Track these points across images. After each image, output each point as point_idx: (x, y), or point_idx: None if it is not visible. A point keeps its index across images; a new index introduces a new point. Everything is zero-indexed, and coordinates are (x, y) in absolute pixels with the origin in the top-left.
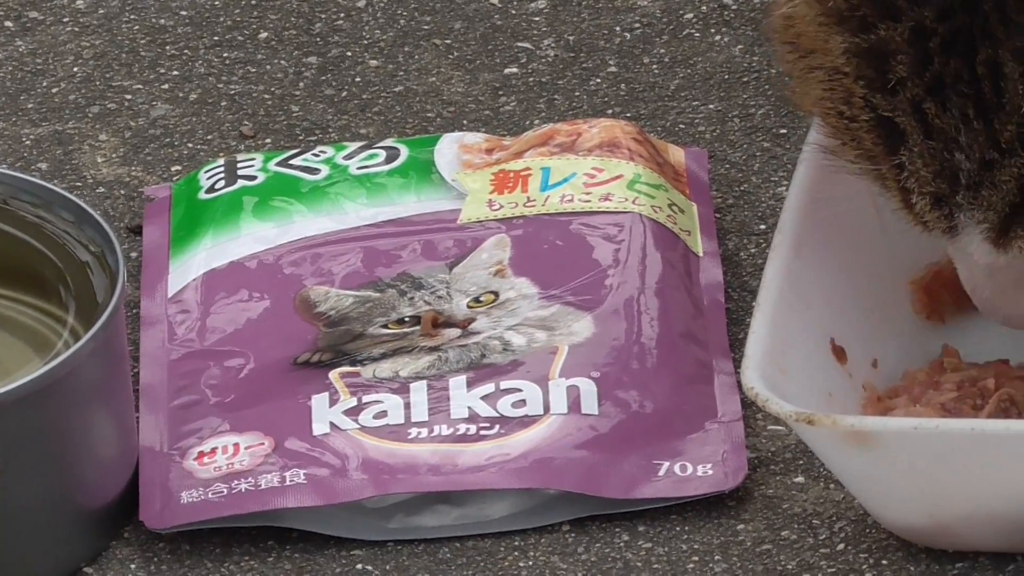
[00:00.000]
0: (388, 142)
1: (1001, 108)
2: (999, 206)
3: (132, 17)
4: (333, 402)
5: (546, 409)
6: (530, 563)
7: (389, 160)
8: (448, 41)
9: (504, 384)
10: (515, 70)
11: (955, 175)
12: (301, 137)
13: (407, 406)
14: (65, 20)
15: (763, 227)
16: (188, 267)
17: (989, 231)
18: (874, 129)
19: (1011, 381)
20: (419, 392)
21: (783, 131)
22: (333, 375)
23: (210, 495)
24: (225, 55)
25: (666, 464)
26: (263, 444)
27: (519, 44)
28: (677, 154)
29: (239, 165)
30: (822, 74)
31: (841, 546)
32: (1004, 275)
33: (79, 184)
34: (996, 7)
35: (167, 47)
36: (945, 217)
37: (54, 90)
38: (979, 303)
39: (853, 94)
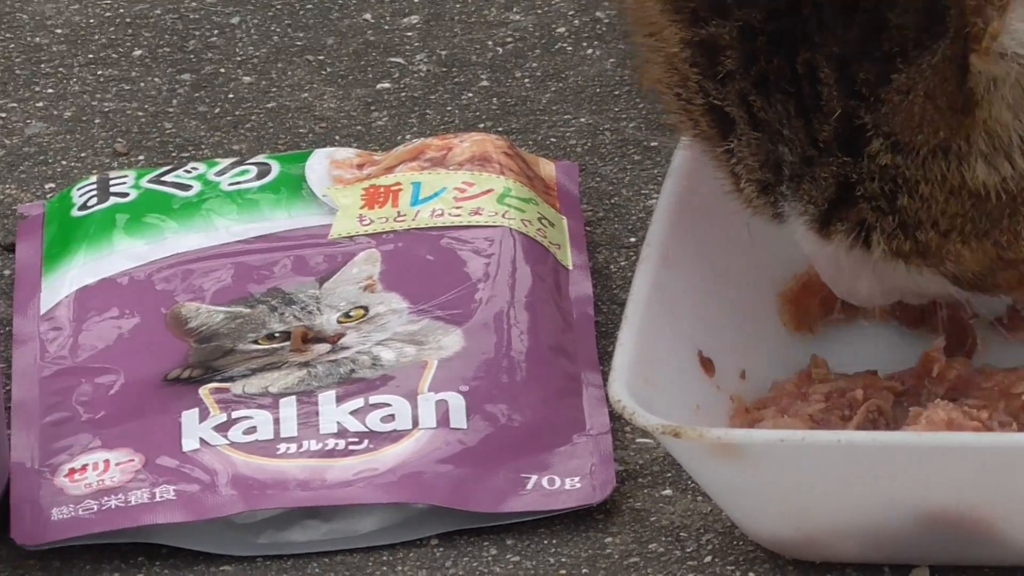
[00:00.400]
0: (259, 158)
1: (819, 109)
2: (819, 200)
3: (7, 35)
4: (203, 418)
5: (415, 423)
6: None
7: (260, 176)
8: (321, 57)
9: (373, 399)
10: (387, 85)
11: (779, 166)
12: (174, 154)
13: (276, 421)
14: None
15: (633, 240)
16: (60, 284)
17: (812, 222)
18: (707, 114)
19: (879, 392)
20: (288, 407)
21: (654, 144)
22: (203, 391)
23: (81, 512)
24: (99, 73)
25: (534, 478)
26: (133, 460)
27: (392, 59)
28: (548, 168)
29: (112, 182)
30: (664, 56)
31: (709, 558)
32: (844, 258)
33: None
34: (815, 12)
35: (42, 65)
36: (771, 204)
37: None
38: (825, 279)
39: (688, 79)
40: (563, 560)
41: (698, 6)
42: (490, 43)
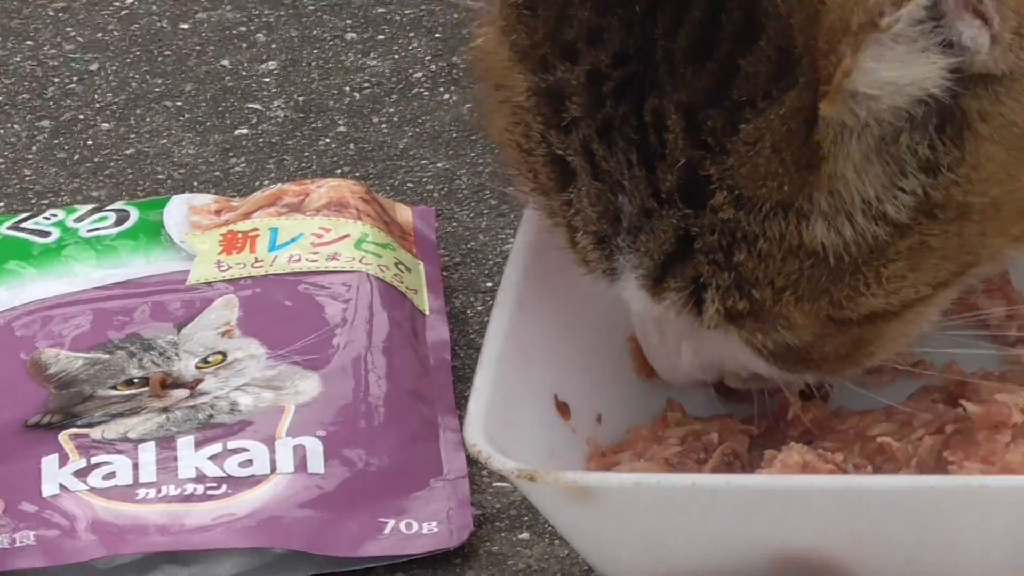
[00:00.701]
0: (118, 204)
1: (663, 158)
2: (655, 253)
3: None
4: (63, 463)
5: (273, 468)
6: None
7: (119, 222)
8: (179, 103)
9: (231, 444)
10: (245, 131)
11: (618, 217)
12: (34, 200)
13: (136, 467)
14: None
15: (490, 284)
16: None
17: (645, 277)
18: (548, 165)
19: (734, 435)
20: (148, 453)
21: (511, 189)
22: (63, 436)
23: None
24: None
25: (392, 522)
26: None
27: (249, 105)
28: (405, 213)
29: None
30: (508, 107)
31: None
32: (664, 326)
33: None
34: (666, 57)
35: None
36: (606, 258)
37: None
38: (647, 354)
39: (532, 129)
40: None
41: (547, 52)
42: (347, 88)
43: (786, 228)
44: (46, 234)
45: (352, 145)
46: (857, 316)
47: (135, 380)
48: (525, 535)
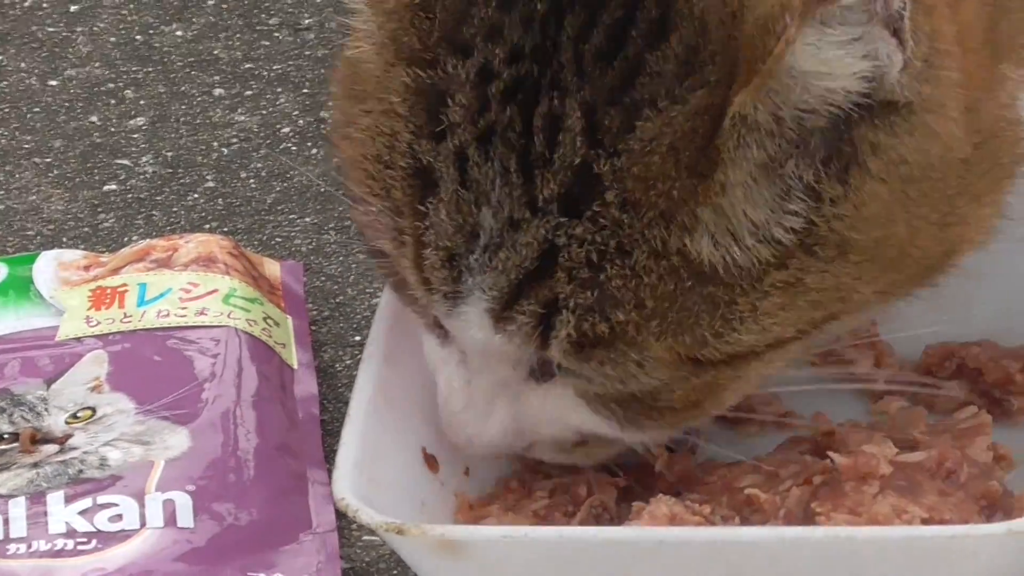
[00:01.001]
0: None
1: (548, 163)
2: (512, 272)
3: None
4: None
5: (143, 523)
6: None
7: None
8: (48, 159)
9: (101, 499)
10: (114, 187)
11: (475, 233)
12: None
13: (6, 522)
14: None
15: (358, 338)
16: None
17: (494, 299)
18: (408, 178)
19: (603, 487)
20: (18, 508)
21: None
22: None
23: None
24: None
25: (261, 575)
26: None
27: (118, 161)
28: (273, 268)
29: None
30: (373, 118)
31: None
32: (480, 381)
33: None
34: (574, 58)
35: None
36: (453, 279)
37: None
38: (444, 418)
39: (398, 138)
40: None
41: (438, 52)
42: (215, 144)
43: (669, 239)
44: None
45: (220, 200)
46: (721, 356)
47: (5, 436)
48: None
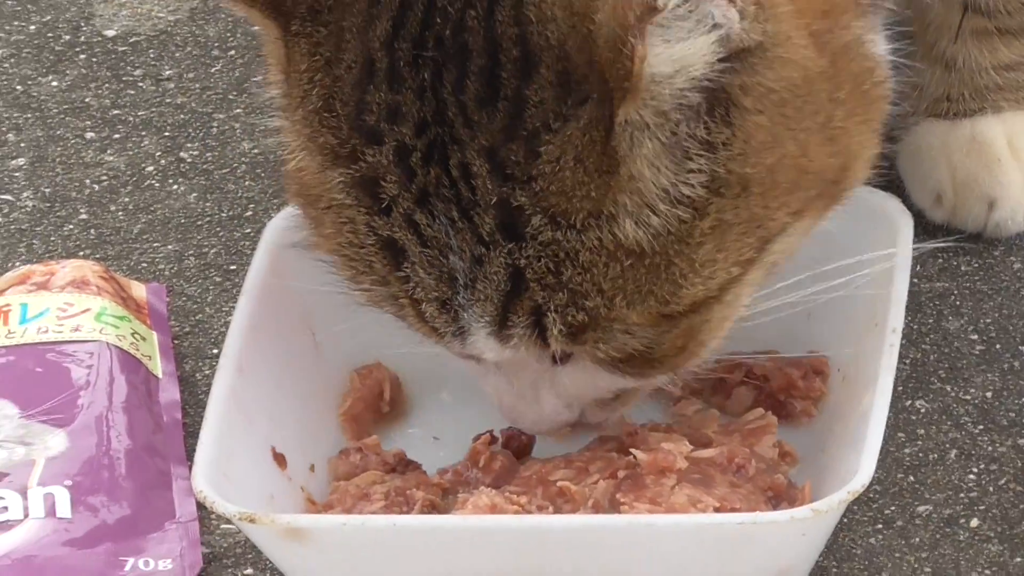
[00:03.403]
0: None
1: (478, 204)
2: (494, 297)
3: None
4: None
5: (26, 514)
6: None
7: None
8: None
9: None
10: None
11: (453, 277)
12: None
13: None
14: None
15: (215, 351)
16: None
17: (490, 323)
18: (380, 251)
19: (430, 488)
20: None
21: (232, 267)
22: None
23: None
24: None
25: (131, 560)
26: None
27: (1, 196)
28: (139, 289)
29: None
30: (331, 213)
31: None
32: (520, 379)
33: None
34: (460, 112)
35: None
36: (452, 320)
37: None
38: (506, 415)
39: (357, 222)
40: None
41: (354, 144)
42: (88, 181)
43: (601, 234)
44: None
45: (93, 231)
46: (683, 307)
47: None
48: (249, 571)
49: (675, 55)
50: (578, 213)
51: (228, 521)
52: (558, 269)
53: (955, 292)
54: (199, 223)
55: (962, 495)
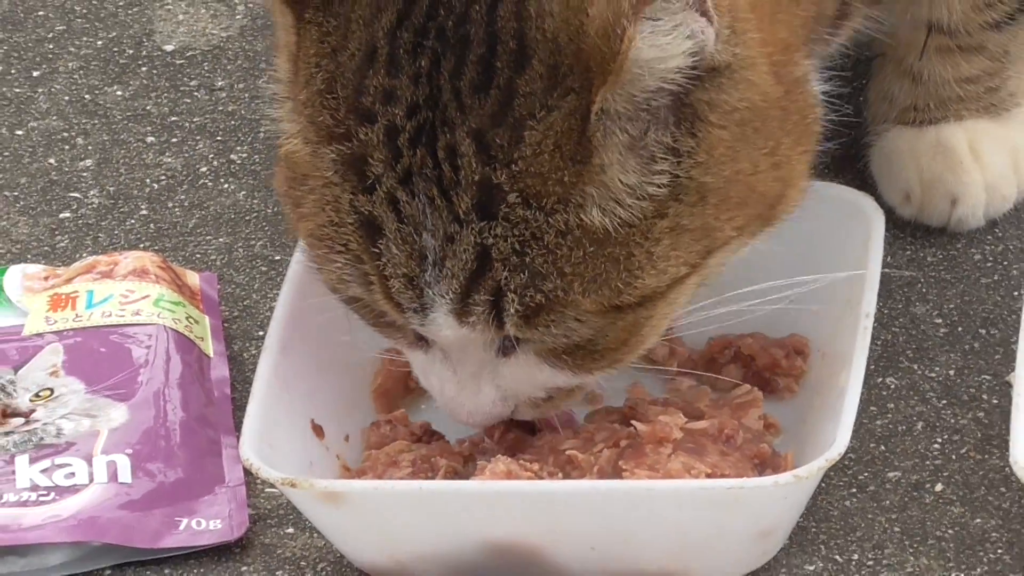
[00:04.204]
0: None
1: (459, 184)
2: (460, 275)
3: None
4: None
5: (91, 479)
6: None
7: None
8: (16, 193)
9: (58, 460)
10: (68, 215)
11: (424, 255)
12: None
13: None
14: None
15: (261, 334)
16: None
17: (452, 301)
18: (358, 229)
19: (452, 456)
20: None
21: (277, 258)
22: None
23: None
24: None
25: (185, 520)
26: None
27: (71, 194)
28: (193, 278)
29: None
30: (316, 193)
31: None
32: (463, 368)
33: None
34: (454, 96)
35: None
36: (417, 296)
37: None
38: (445, 405)
39: (341, 200)
40: None
41: (349, 125)
42: (148, 180)
43: (568, 217)
44: None
45: (152, 225)
46: (634, 299)
47: None
48: (291, 530)
49: (658, 43)
50: (550, 196)
51: (272, 485)
52: (523, 249)
53: (922, 280)
54: (247, 218)
55: (928, 463)
